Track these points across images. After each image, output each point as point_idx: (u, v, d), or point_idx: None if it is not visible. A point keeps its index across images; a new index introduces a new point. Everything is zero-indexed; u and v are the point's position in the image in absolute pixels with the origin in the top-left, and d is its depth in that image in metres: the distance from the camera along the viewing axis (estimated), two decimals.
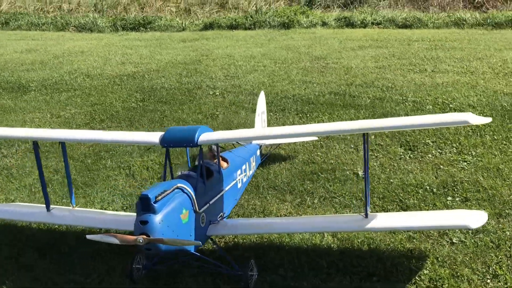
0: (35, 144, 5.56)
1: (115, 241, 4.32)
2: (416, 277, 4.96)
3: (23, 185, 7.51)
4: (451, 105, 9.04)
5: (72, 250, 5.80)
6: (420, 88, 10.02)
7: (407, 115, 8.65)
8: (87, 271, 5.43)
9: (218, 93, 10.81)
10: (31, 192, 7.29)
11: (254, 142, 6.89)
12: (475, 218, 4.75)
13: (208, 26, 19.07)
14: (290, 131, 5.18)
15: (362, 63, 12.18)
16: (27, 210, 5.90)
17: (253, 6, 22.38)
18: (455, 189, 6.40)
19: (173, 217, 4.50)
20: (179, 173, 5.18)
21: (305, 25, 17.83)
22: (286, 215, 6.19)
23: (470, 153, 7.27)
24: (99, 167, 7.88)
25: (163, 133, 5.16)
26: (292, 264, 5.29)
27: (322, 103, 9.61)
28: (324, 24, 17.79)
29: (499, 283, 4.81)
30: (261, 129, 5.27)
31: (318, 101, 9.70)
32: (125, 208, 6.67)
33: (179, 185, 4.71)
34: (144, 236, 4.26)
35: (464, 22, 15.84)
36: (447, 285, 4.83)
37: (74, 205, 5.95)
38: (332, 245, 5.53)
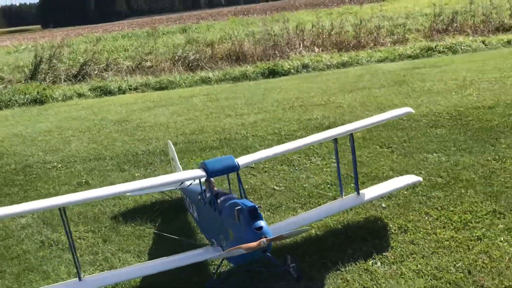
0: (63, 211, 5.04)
1: (241, 251, 4.73)
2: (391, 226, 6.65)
3: None
4: (282, 133, 11.08)
5: None
6: (245, 126, 11.76)
7: (261, 145, 10.30)
8: None
9: (60, 166, 10.23)
10: None
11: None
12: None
13: None
14: (307, 141, 6.14)
15: (169, 119, 13.20)
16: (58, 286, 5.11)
17: None
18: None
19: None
20: (223, 198, 5.62)
21: (60, 98, 17.60)
22: None
23: None
24: (57, 254, 6.81)
25: (202, 168, 5.57)
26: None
27: (186, 151, 10.27)
28: (80, 95, 17.92)
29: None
30: (282, 146, 6.05)
31: (181, 151, 10.24)
32: None
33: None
34: (266, 238, 4.76)
35: (210, 79, 18.59)
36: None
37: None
38: (336, 226, 6.72)
